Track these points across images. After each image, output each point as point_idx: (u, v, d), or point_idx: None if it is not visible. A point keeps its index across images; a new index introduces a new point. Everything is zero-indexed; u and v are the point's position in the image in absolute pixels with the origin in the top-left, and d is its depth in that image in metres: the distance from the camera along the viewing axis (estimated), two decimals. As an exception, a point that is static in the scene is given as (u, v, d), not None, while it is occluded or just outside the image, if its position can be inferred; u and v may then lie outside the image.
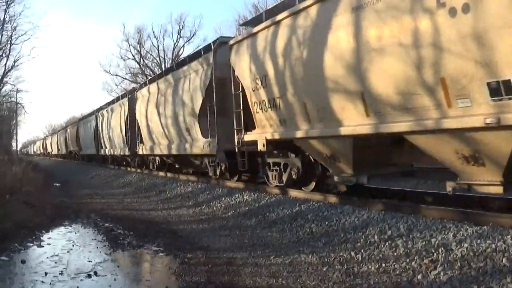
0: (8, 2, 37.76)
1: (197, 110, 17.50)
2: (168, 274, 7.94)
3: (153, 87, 24.18)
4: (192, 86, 18.25)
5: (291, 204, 11.69)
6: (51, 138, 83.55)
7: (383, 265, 7.03)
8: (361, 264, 7.26)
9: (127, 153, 29.92)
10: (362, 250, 7.81)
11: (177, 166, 23.45)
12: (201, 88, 17.22)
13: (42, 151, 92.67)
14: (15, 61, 47.88)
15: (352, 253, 7.77)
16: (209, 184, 17.64)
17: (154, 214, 14.58)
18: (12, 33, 42.69)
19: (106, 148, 36.95)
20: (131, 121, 28.17)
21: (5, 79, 48.03)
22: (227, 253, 8.86)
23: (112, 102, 35.35)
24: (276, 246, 9.10)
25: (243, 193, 14.34)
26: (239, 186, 15.96)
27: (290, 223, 10.52)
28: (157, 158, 25.55)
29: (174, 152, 21.08)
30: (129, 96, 29.35)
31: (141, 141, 26.54)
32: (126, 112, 29.01)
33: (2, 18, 38.58)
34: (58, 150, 71.31)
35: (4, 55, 44.22)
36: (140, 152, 27.21)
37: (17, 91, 56.64)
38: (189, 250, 9.24)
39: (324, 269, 7.28)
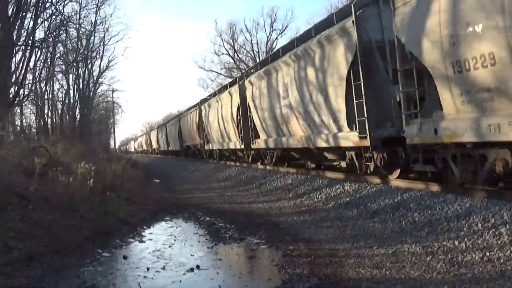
0: (99, 5, 39.52)
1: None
2: (270, 267, 8.03)
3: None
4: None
5: (392, 194, 11.52)
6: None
7: (487, 254, 6.86)
8: (465, 253, 7.11)
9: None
10: (465, 239, 7.65)
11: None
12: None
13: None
14: (109, 62, 50.42)
15: (456, 242, 7.63)
16: (309, 176, 17.58)
17: (255, 206, 14.79)
18: (104, 34, 44.89)
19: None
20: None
21: (100, 79, 50.68)
22: (329, 245, 8.89)
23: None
24: (379, 237, 9.04)
25: (344, 184, 14.23)
26: (340, 177, 15.78)
27: (392, 213, 10.39)
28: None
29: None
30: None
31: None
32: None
33: (93, 20, 40.46)
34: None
35: (98, 56, 46.60)
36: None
37: (113, 91, 59.66)
38: (291, 242, 9.34)
39: (428, 258, 7.18)
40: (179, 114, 55.40)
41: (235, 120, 27.00)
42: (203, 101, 38.79)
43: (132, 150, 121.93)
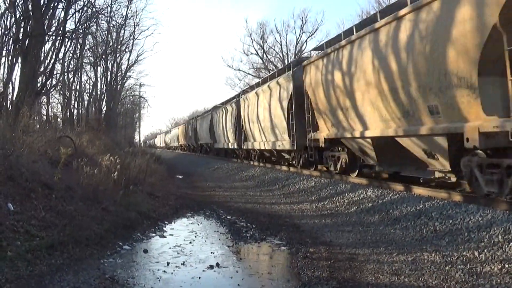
0: (130, -2, 39.85)
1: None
2: (290, 268, 8.10)
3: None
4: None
5: (414, 202, 11.56)
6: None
7: (506, 265, 6.88)
8: (484, 264, 7.13)
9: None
10: (485, 250, 7.66)
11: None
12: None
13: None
14: (138, 56, 51.01)
15: (476, 253, 7.65)
16: (332, 180, 17.56)
17: (277, 208, 14.83)
18: (134, 28, 45.40)
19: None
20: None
21: (128, 73, 51.18)
22: (349, 249, 8.94)
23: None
24: (399, 244, 9.07)
25: (367, 189, 14.25)
26: (362, 182, 15.78)
27: (413, 221, 10.43)
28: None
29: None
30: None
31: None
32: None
33: (124, 14, 40.86)
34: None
35: (127, 50, 47.09)
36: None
37: (140, 85, 60.18)
38: (311, 245, 9.40)
39: (447, 268, 7.21)
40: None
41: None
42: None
43: (159, 145, 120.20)
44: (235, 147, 35.55)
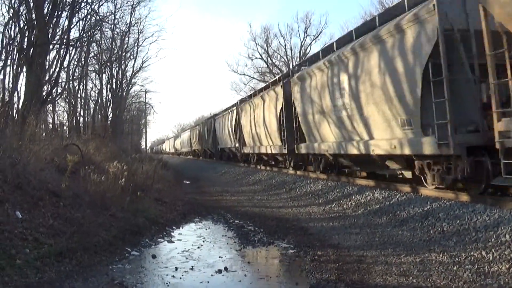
0: (134, 6, 40.02)
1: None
2: (298, 271, 8.13)
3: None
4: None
5: (422, 203, 11.60)
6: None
7: None
8: (492, 264, 7.18)
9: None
10: (493, 250, 7.71)
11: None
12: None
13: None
14: (142, 63, 51.00)
15: (483, 252, 7.70)
16: (339, 182, 17.63)
17: (284, 211, 14.88)
18: (138, 35, 45.46)
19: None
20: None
21: (133, 80, 51.28)
22: (357, 251, 8.99)
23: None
24: (407, 245, 9.12)
25: (374, 191, 14.31)
26: (370, 184, 15.89)
27: (421, 222, 10.49)
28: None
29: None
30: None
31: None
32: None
33: (128, 21, 40.99)
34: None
35: (131, 57, 47.19)
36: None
37: (146, 92, 60.23)
38: (319, 248, 9.48)
39: (455, 268, 7.27)
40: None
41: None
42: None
43: (167, 150, 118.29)
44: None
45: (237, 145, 37.58)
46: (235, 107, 38.90)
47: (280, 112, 24.69)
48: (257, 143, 30.46)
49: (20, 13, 19.06)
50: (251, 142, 31.75)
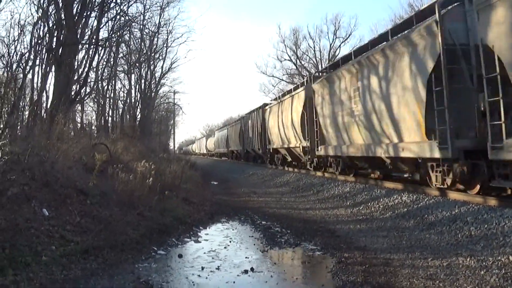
0: (163, 6, 40.28)
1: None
2: (324, 273, 8.07)
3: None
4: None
5: (450, 206, 11.52)
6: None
7: None
8: None
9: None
10: None
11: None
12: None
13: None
14: (171, 64, 51.28)
15: (511, 257, 7.58)
16: (367, 185, 17.54)
17: (312, 213, 14.81)
18: (168, 36, 45.69)
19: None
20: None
21: (162, 81, 51.55)
22: (384, 254, 8.92)
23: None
24: (434, 248, 9.03)
25: (402, 194, 14.22)
26: (398, 187, 15.78)
27: (448, 225, 10.41)
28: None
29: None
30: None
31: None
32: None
33: (157, 22, 41.27)
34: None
35: (160, 57, 47.43)
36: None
37: (174, 92, 60.56)
38: (346, 250, 9.42)
39: (482, 272, 7.16)
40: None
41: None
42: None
43: (198, 151, 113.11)
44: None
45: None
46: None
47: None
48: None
49: (49, 13, 19.28)
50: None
